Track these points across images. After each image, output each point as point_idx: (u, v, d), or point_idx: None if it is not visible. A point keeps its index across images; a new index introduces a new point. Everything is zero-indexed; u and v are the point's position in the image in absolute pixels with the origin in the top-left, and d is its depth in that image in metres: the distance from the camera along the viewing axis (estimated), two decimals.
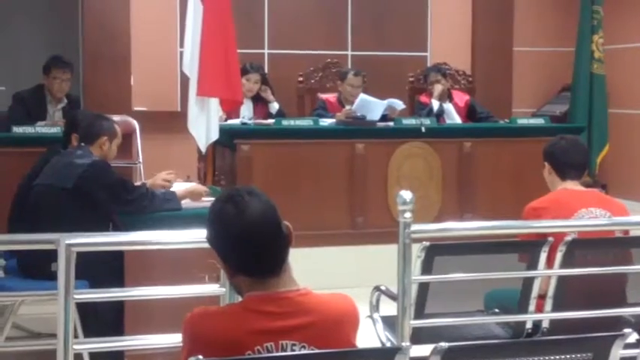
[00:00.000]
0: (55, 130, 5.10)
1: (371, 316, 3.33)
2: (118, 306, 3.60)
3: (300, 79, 6.95)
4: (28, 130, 5.15)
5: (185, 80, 5.38)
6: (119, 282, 3.58)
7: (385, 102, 6.09)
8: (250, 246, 2.01)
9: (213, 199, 4.25)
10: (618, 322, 3.19)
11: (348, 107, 6.22)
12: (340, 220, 5.64)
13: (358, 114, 5.94)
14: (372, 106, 6.03)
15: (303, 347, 1.97)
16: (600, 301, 3.18)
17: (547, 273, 3.17)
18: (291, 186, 5.50)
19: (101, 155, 3.98)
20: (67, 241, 2.59)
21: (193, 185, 4.20)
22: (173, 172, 4.33)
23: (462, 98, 6.79)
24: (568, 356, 2.11)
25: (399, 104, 6.21)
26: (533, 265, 3.16)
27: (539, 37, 8.62)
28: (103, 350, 3.11)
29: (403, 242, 2.89)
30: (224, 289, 2.75)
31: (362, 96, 6.16)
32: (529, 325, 3.24)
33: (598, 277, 3.22)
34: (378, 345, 3.15)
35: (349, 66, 7.70)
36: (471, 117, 6.69)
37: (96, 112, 4.28)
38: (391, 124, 5.98)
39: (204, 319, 2.00)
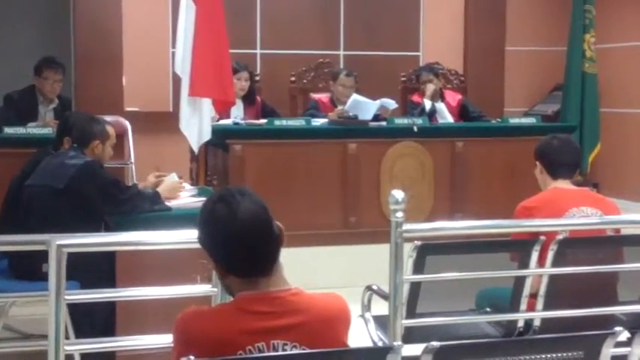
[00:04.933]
0: (47, 130, 5.08)
1: (363, 316, 3.33)
2: (110, 306, 3.60)
3: (293, 79, 6.95)
4: (19, 130, 5.13)
5: (177, 80, 5.37)
6: (110, 282, 3.57)
7: (378, 102, 6.10)
8: (242, 246, 2.00)
9: (193, 190, 4.32)
10: (609, 321, 3.19)
11: (340, 107, 6.22)
12: (332, 219, 5.64)
13: (350, 114, 5.94)
14: (364, 106, 6.04)
15: (295, 347, 1.97)
16: (592, 300, 3.19)
17: (538, 272, 3.18)
18: (283, 186, 5.50)
19: (95, 158, 3.97)
20: (58, 242, 2.58)
21: (167, 184, 4.17)
22: (162, 173, 4.33)
23: (454, 98, 6.80)
24: (559, 355, 2.11)
25: (392, 104, 6.22)
26: (524, 264, 3.17)
27: (531, 37, 8.64)
28: (94, 351, 3.10)
29: (395, 242, 2.89)
30: (216, 290, 2.75)
31: (354, 96, 6.17)
32: (521, 324, 3.25)
33: (589, 276, 3.22)
34: (370, 344, 3.15)
35: (341, 66, 7.71)
36: (463, 116, 6.70)
37: (88, 115, 4.26)
38: (384, 123, 5.98)
39: (195, 319, 2.00)
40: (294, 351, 1.97)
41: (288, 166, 5.60)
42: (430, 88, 6.59)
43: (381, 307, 3.26)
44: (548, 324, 3.21)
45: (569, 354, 2.11)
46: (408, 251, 2.98)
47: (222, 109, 5.80)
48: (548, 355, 2.10)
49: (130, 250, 3.30)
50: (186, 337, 1.98)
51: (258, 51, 8.02)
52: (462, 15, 8.48)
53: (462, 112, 6.72)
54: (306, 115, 6.20)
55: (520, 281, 3.18)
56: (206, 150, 5.81)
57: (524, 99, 8.57)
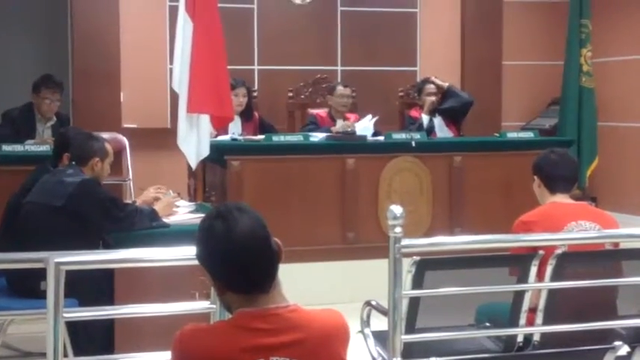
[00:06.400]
0: (44, 148, 5.09)
1: (362, 332, 3.31)
2: (108, 324, 3.59)
3: (290, 94, 6.96)
4: (17, 148, 5.14)
5: (175, 97, 5.38)
6: (109, 300, 3.57)
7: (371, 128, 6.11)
8: (239, 263, 2.00)
9: (191, 207, 4.32)
10: (609, 335, 3.18)
11: (344, 122, 6.27)
12: (331, 235, 5.64)
13: (357, 129, 5.97)
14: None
15: None
16: (591, 314, 3.18)
17: (537, 286, 3.17)
18: (281, 201, 5.50)
19: (94, 175, 3.98)
20: (56, 260, 2.57)
21: (162, 202, 4.18)
22: (162, 187, 4.33)
23: None
24: None
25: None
26: (523, 278, 3.16)
27: (528, 51, 8.67)
28: None
29: (394, 257, 2.89)
30: (214, 306, 2.74)
31: (373, 121, 6.17)
32: (520, 339, 3.23)
33: (588, 290, 3.21)
34: None
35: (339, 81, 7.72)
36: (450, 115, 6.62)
37: (86, 132, 4.27)
38: (381, 138, 5.99)
39: (193, 336, 1.99)
40: None
41: (286, 181, 5.61)
42: (428, 101, 6.60)
43: (380, 323, 3.26)
44: (547, 339, 3.20)
45: None
46: (407, 266, 2.97)
47: (221, 126, 5.81)
48: None
49: (129, 267, 3.29)
50: (185, 355, 1.97)
51: (255, 67, 8.04)
52: (459, 30, 8.51)
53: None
54: (305, 131, 6.21)
55: (519, 296, 3.17)
56: (204, 166, 5.81)
57: (521, 113, 8.60)
